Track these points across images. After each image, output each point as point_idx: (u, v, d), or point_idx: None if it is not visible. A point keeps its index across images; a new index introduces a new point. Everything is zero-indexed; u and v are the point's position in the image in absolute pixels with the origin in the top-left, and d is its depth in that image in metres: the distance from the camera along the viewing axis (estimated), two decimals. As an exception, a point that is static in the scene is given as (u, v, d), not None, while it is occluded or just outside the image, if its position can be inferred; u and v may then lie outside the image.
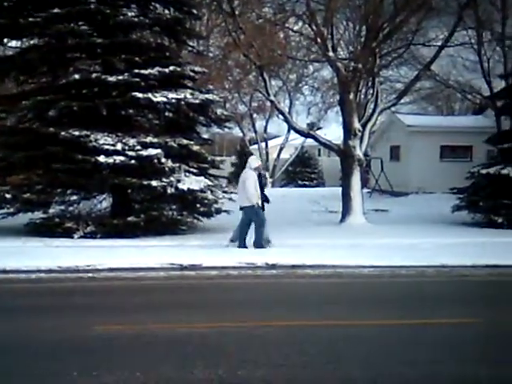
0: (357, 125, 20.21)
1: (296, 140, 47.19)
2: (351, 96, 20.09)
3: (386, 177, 30.64)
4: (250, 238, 15.01)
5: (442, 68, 27.15)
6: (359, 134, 20.29)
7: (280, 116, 25.64)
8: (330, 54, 19.60)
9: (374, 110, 21.56)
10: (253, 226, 15.01)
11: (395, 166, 31.23)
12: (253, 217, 14.83)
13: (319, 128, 46.71)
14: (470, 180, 20.50)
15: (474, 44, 25.03)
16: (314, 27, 19.51)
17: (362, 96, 23.32)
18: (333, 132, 41.51)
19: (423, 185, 28.20)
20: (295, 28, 22.23)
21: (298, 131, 22.76)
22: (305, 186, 46.34)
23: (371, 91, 22.37)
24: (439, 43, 22.01)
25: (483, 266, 12.90)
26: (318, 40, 19.68)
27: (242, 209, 15.03)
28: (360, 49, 20.74)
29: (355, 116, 20.30)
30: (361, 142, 20.58)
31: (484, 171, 19.76)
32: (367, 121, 21.33)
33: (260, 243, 14.79)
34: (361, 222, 19.46)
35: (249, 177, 14.82)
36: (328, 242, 15.55)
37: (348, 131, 20.20)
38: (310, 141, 28.34)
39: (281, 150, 47.59)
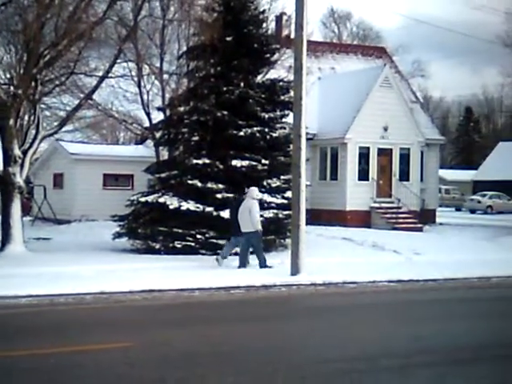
0: (17, 151, 19.78)
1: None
2: (11, 122, 19.63)
3: (49, 204, 30.25)
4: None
5: (104, 98, 27.64)
6: (20, 160, 19.88)
7: None
8: (-12, 77, 18.99)
9: (35, 137, 21.23)
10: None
11: (59, 194, 31.05)
12: (255, 241, 16.97)
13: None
14: (130, 208, 21.10)
15: (134, 76, 25.86)
16: (-30, 49, 18.77)
17: (25, 122, 22.78)
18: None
19: (87, 212, 28.42)
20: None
21: None
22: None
23: (33, 118, 22.00)
24: (101, 73, 22.44)
25: (139, 291, 13.45)
26: (-24, 63, 18.96)
27: (242, 234, 17.07)
28: (21, 74, 20.35)
29: (15, 142, 19.85)
30: (21, 168, 20.12)
31: (143, 199, 20.51)
32: (28, 148, 20.91)
33: (265, 264, 16.90)
34: (21, 251, 19.03)
35: (253, 206, 17.05)
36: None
37: (8, 158, 19.70)
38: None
39: None
